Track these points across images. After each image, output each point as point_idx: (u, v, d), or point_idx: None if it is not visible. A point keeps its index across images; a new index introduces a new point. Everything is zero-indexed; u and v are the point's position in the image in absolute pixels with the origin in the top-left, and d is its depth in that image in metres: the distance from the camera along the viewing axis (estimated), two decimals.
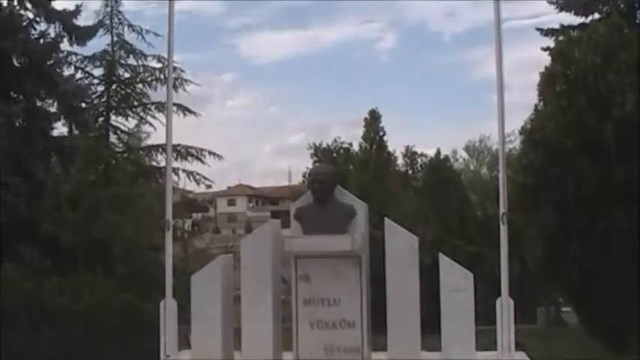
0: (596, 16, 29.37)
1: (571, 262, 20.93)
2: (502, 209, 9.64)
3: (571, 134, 21.42)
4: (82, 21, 27.19)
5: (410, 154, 60.38)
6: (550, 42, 29.11)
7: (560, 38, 28.38)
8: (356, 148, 46.65)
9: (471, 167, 74.74)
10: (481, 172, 71.58)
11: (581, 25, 29.11)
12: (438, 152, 46.77)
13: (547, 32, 29.85)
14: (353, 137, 49.01)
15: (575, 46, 23.46)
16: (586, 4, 29.62)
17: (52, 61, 25.68)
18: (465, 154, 76.37)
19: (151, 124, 31.43)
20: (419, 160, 60.09)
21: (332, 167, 12.17)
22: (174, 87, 29.50)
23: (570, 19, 29.85)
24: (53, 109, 26.11)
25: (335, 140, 50.11)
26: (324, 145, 49.90)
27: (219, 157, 32.26)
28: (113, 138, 30.83)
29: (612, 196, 20.41)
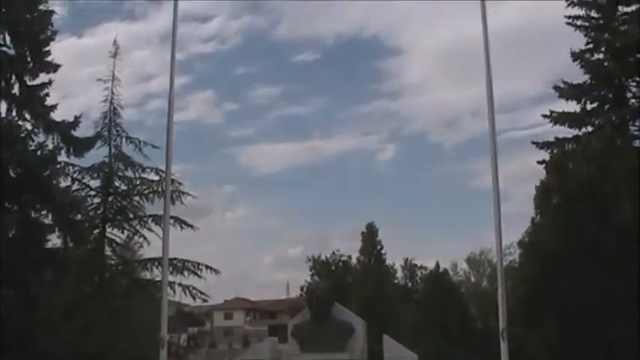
0: (590, 128, 29.64)
1: None
2: (502, 325, 9.45)
3: (569, 245, 21.31)
4: (81, 131, 27.37)
5: (409, 267, 60.05)
6: (546, 154, 29.29)
7: (555, 151, 28.56)
8: (355, 260, 46.52)
9: (472, 279, 74.22)
10: (482, 284, 71.04)
11: (576, 138, 29.37)
12: (437, 265, 46.81)
13: (542, 145, 30.05)
14: (353, 249, 48.83)
15: (570, 158, 23.62)
16: (579, 117, 29.95)
17: (48, 173, 25.66)
18: (465, 266, 75.98)
19: (145, 238, 31.29)
20: (418, 272, 59.77)
21: (330, 284, 12.06)
22: (172, 199, 29.48)
23: (565, 131, 30.14)
24: (48, 221, 25.94)
25: (334, 253, 49.91)
26: (323, 258, 49.65)
27: (216, 271, 31.98)
28: (108, 250, 30.60)
29: (614, 306, 20.14)
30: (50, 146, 25.89)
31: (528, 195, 25.26)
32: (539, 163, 28.70)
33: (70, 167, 29.74)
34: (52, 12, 26.10)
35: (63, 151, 26.82)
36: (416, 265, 60.17)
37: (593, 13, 30.96)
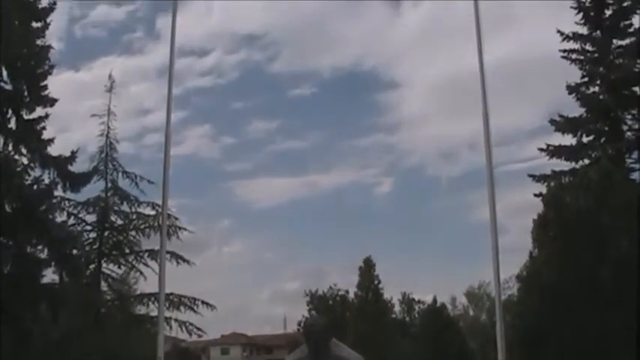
0: (586, 161, 29.67)
1: None
2: (501, 359, 9.37)
3: (567, 278, 21.22)
4: (77, 165, 27.35)
5: (407, 301, 59.87)
6: (543, 187, 29.29)
7: (552, 184, 28.56)
8: (353, 295, 46.40)
9: (471, 313, 73.96)
10: (480, 318, 70.78)
11: (572, 171, 29.39)
12: (435, 300, 46.74)
13: (539, 178, 30.06)
14: (350, 283, 48.66)
15: (567, 191, 23.60)
16: (575, 150, 30.00)
17: (45, 207, 25.58)
18: (464, 300, 75.74)
19: (141, 273, 31.15)
20: (416, 307, 59.58)
21: (327, 319, 11.92)
22: (168, 234, 29.34)
23: (562, 164, 30.17)
24: (44, 256, 25.81)
25: (331, 287, 49.79)
26: (321, 292, 49.50)
27: (212, 307, 31.77)
28: (104, 285, 30.44)
29: (612, 340, 20.00)
30: (46, 181, 25.92)
31: (526, 228, 25.21)
32: (537, 196, 28.69)
33: (66, 202, 29.71)
34: (49, 47, 26.21)
35: (59, 186, 26.79)
36: (413, 299, 60.04)
37: (588, 47, 31.15)
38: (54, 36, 29.34)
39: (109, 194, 30.90)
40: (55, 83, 26.92)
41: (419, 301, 59.44)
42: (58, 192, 27.39)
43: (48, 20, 26.07)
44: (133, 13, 75.65)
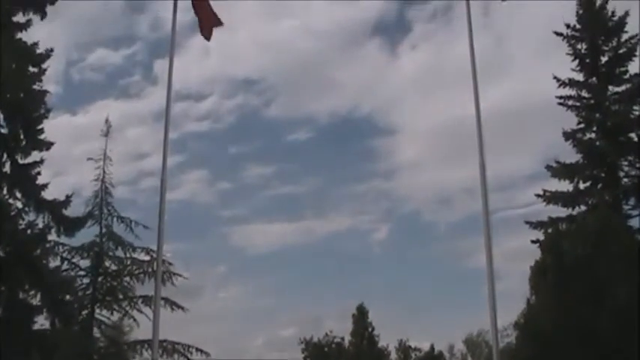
0: (583, 208, 29.63)
1: None
2: None
3: (565, 326, 21.02)
4: (72, 209, 27.13)
5: (403, 348, 59.25)
6: (540, 234, 29.18)
7: (549, 230, 28.46)
8: (348, 342, 45.94)
9: None
10: None
11: (569, 217, 29.33)
12: (432, 347, 46.44)
13: (536, 225, 29.97)
14: (346, 330, 48.09)
15: (565, 238, 23.52)
16: (573, 196, 29.97)
17: (38, 252, 25.38)
18: (462, 347, 75.10)
19: (135, 320, 30.82)
20: (413, 354, 58.96)
21: None
22: (163, 280, 29.13)
23: (559, 210, 30.13)
24: (36, 301, 25.51)
25: (327, 334, 49.26)
26: (316, 339, 48.99)
27: (207, 353, 31.39)
28: (97, 332, 30.07)
29: None
30: (40, 225, 25.67)
31: (524, 274, 25.07)
32: (533, 242, 28.59)
33: (60, 246, 29.39)
34: (45, 91, 26.23)
35: (53, 230, 26.58)
36: (410, 346, 59.42)
37: (584, 93, 31.36)
38: (51, 79, 29.44)
39: (103, 239, 30.66)
40: (52, 127, 26.87)
41: (415, 349, 58.80)
42: (52, 236, 27.12)
43: (45, 65, 26.14)
44: (131, 57, 76.05)
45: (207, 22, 16.83)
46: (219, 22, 16.77)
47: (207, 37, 16.88)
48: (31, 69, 25.88)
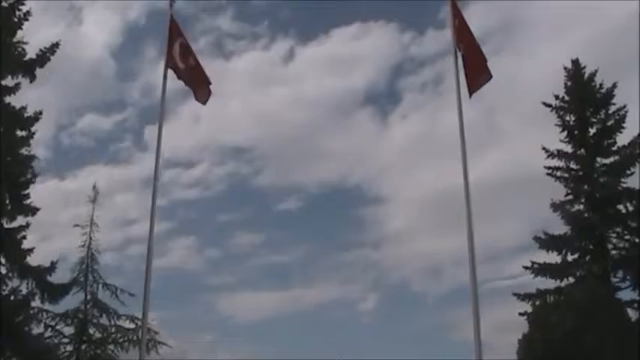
0: (571, 279, 29.49)
1: None
2: None
3: None
4: (57, 275, 26.79)
5: None
6: (528, 306, 28.99)
7: (537, 302, 28.29)
8: None
9: None
10: None
11: (557, 289, 29.16)
12: None
13: (524, 297, 29.77)
14: None
15: (553, 310, 23.38)
16: (561, 268, 29.84)
17: (21, 319, 25.01)
18: None
19: None
20: None
21: None
22: (148, 349, 28.79)
23: (547, 282, 29.98)
24: None
25: None
26: None
27: None
28: None
29: None
30: (24, 291, 25.38)
31: (512, 346, 24.82)
32: (522, 314, 28.37)
33: (44, 313, 29.02)
34: (33, 156, 26.15)
35: (37, 297, 26.27)
36: None
37: (573, 165, 31.43)
38: (41, 143, 29.41)
39: (88, 306, 30.31)
40: (40, 191, 26.81)
41: None
42: (36, 303, 26.85)
43: (33, 129, 26.07)
44: (122, 123, 76.07)
45: (200, 85, 17.00)
46: (208, 82, 16.95)
47: (204, 101, 17.03)
48: (19, 133, 25.79)
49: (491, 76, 15.43)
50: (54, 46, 26.12)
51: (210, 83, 16.90)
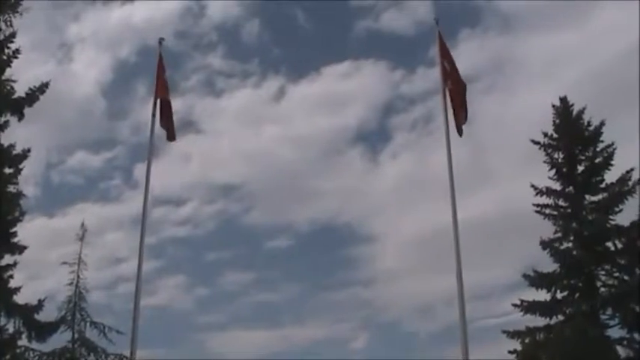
0: (561, 317, 29.43)
1: None
2: None
3: None
4: (44, 314, 26.68)
5: None
6: (517, 343, 28.89)
7: (527, 340, 28.20)
8: None
9: None
10: None
11: (547, 327, 29.09)
12: None
13: (513, 335, 29.69)
14: None
15: (542, 348, 23.31)
16: (550, 306, 29.79)
17: (7, 358, 24.81)
18: None
19: None
20: None
21: None
22: None
23: (536, 319, 29.88)
24: None
25: None
26: None
27: None
28: None
29: None
30: (11, 330, 25.23)
31: None
32: (511, 353, 28.28)
33: (31, 352, 28.71)
34: (21, 194, 26.05)
35: (24, 335, 26.09)
36: None
37: (562, 202, 31.48)
38: (30, 181, 29.32)
39: (75, 345, 30.04)
40: (28, 229, 26.71)
41: None
42: (23, 341, 26.66)
43: (21, 166, 25.98)
44: (111, 161, 76.03)
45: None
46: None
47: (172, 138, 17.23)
48: (7, 170, 25.70)
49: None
50: (43, 86, 26.04)
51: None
